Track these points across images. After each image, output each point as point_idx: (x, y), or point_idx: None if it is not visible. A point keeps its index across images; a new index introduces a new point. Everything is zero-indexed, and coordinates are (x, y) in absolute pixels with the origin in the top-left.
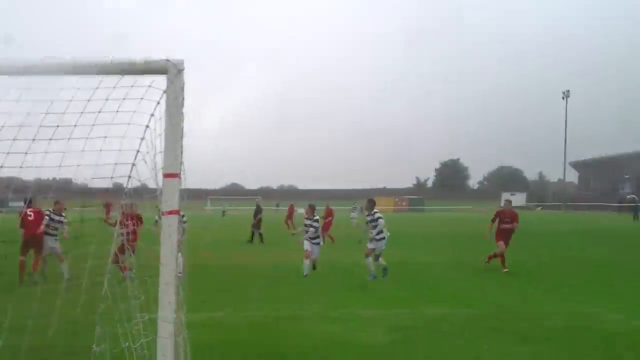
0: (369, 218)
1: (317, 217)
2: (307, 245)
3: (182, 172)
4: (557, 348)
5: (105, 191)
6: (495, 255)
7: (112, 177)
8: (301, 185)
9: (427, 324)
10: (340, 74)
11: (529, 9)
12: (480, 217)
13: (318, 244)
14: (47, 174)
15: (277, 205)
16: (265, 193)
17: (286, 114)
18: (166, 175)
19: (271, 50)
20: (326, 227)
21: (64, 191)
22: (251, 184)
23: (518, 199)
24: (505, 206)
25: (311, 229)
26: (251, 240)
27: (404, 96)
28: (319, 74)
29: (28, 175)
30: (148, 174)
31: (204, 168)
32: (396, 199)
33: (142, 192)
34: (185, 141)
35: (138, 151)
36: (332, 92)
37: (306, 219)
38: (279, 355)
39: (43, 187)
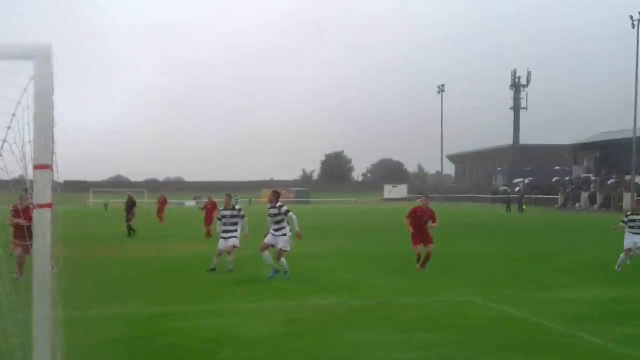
0: (273, 211)
1: (239, 207)
2: (221, 243)
3: (54, 164)
4: (436, 335)
5: None
6: (424, 258)
7: None
8: (188, 177)
9: (313, 316)
10: (227, 65)
11: (408, 13)
12: (364, 208)
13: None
14: None
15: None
16: (151, 185)
17: (173, 106)
18: (37, 167)
19: (157, 39)
20: (209, 220)
21: None
22: (136, 176)
23: (400, 191)
24: (422, 204)
25: (233, 220)
26: (129, 234)
27: (291, 89)
28: (206, 64)
29: None
30: (17, 165)
31: (86, 159)
32: (283, 191)
33: (11, 184)
34: (57, 131)
35: (4, 141)
36: (217, 84)
37: (224, 209)
38: (165, 351)
39: None
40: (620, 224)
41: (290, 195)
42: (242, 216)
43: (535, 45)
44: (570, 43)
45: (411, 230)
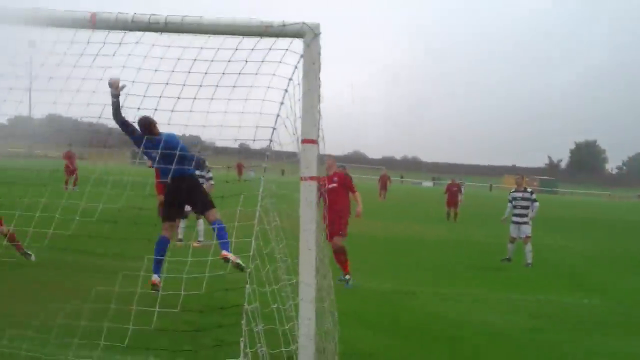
0: (519, 195)
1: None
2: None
3: (320, 138)
4: None
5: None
6: None
7: (254, 140)
8: (425, 158)
9: (568, 314)
10: (477, 49)
11: None
12: (620, 204)
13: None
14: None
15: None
16: (389, 163)
17: (416, 86)
18: (305, 141)
19: (409, 16)
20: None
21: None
22: (374, 153)
23: None
24: None
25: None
26: None
27: (539, 72)
28: (454, 43)
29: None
30: (289, 139)
31: (326, 134)
32: (527, 179)
33: (283, 157)
34: (322, 107)
35: (278, 115)
36: (467, 64)
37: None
38: (418, 331)
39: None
40: None
41: (534, 184)
42: (209, 178)
43: None
44: None
45: None
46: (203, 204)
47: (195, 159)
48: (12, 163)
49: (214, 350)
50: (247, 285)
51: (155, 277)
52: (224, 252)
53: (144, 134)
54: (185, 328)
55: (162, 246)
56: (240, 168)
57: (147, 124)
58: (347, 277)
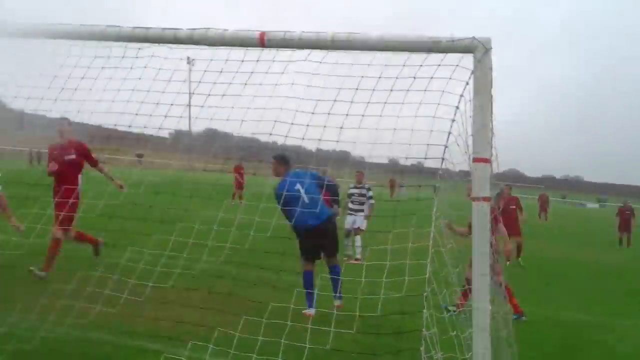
0: None
1: (368, 186)
2: (348, 220)
3: (493, 157)
4: None
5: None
6: None
7: (425, 158)
8: (588, 177)
9: None
10: None
11: None
12: None
13: None
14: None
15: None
16: (548, 182)
17: (580, 103)
18: (476, 160)
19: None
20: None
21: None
22: (532, 171)
23: None
24: None
25: None
26: None
27: None
28: (622, 59)
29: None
30: (460, 158)
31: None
32: None
33: (454, 176)
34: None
35: (450, 133)
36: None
37: (353, 187)
38: None
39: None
40: None
41: None
42: (370, 197)
43: None
44: None
45: None
46: (331, 250)
47: (332, 190)
48: (179, 176)
49: None
50: (425, 310)
51: (308, 310)
52: (338, 303)
53: (285, 170)
54: (360, 350)
55: (308, 278)
56: (392, 185)
57: (289, 161)
58: (514, 316)
